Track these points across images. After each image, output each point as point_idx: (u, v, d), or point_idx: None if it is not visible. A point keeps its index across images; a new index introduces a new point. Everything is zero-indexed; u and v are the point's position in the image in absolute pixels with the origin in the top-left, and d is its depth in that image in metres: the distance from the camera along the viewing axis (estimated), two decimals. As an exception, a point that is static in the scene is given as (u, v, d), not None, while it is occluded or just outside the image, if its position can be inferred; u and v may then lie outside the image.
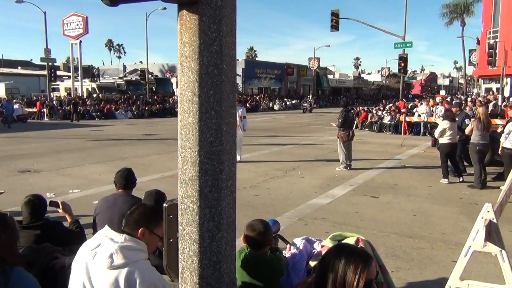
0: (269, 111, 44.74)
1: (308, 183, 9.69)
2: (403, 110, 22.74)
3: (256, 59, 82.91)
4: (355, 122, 23.16)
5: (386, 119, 22.96)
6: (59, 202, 3.79)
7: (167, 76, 52.34)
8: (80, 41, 38.11)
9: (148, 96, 39.81)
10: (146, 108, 35.64)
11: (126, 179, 4.19)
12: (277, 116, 36.61)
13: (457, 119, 10.41)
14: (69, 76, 42.89)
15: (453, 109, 11.38)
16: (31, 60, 69.53)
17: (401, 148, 16.04)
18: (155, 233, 2.35)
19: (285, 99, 52.98)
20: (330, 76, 73.42)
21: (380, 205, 7.93)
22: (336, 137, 11.75)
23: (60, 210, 3.81)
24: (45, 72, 36.39)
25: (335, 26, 27.49)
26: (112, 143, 16.84)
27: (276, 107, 48.11)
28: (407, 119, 21.70)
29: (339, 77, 77.71)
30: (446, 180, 9.81)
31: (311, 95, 52.14)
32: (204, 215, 1.91)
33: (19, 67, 59.39)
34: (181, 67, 1.93)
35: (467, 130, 9.86)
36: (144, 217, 2.34)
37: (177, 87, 35.00)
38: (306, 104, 44.32)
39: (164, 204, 2.11)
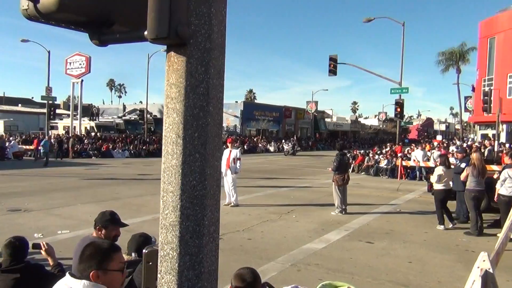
0: (266, 153, 44.79)
1: (303, 227, 9.52)
2: (399, 155, 22.79)
3: (255, 101, 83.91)
4: (352, 165, 23.24)
5: (383, 163, 22.96)
6: (42, 244, 3.67)
7: (166, 116, 52.73)
8: (82, 80, 38.60)
9: (146, 136, 39.93)
10: (144, 147, 35.66)
11: (108, 220, 3.90)
12: (274, 158, 36.61)
13: (463, 165, 10.35)
14: (68, 115, 43.16)
15: (459, 155, 11.44)
16: (32, 98, 70.17)
17: (397, 192, 15.93)
18: (111, 269, 2.17)
19: (282, 141, 53.19)
20: (327, 120, 74.16)
21: (375, 251, 7.76)
22: (331, 181, 11.66)
23: (43, 252, 3.68)
24: (45, 110, 36.63)
25: (333, 71, 28.01)
26: (107, 182, 16.68)
27: (271, 148, 47.79)
28: (404, 163, 21.69)
29: (337, 121, 78.49)
30: (442, 227, 9.66)
31: (295, 137, 50.99)
32: (184, 263, 1.82)
33: (20, 105, 59.84)
34: (167, 109, 1.90)
35: (462, 176, 9.81)
36: (92, 258, 2.16)
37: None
38: (287, 147, 41.36)
39: (144, 250, 2.02)
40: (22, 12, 2.02)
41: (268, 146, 48.34)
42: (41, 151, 25.20)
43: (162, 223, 1.89)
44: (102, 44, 2.11)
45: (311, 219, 10.49)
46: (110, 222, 3.73)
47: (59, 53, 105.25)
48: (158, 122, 48.42)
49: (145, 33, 1.91)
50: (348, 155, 16.89)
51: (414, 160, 21.50)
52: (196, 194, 1.83)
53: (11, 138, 31.36)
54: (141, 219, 9.70)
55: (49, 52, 35.77)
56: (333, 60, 28.12)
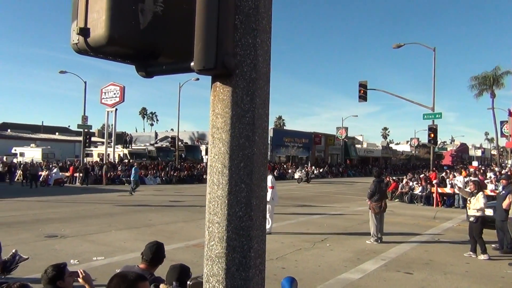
0: (296, 179, 44.34)
1: (338, 256, 9.28)
2: (434, 181, 22.14)
3: (284, 127, 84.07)
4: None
5: (417, 190, 22.35)
6: (80, 271, 3.70)
7: (197, 143, 53.40)
8: (116, 109, 39.72)
9: (177, 163, 40.43)
10: (175, 174, 36.07)
11: (154, 253, 4.07)
12: (303, 184, 36.25)
13: (503, 192, 9.97)
14: (102, 142, 44.32)
15: (503, 181, 11.09)
16: (69, 126, 72.64)
17: (434, 221, 15.41)
18: None
19: (312, 168, 52.77)
20: (358, 146, 73.31)
21: (414, 282, 7.45)
22: (368, 208, 11.41)
23: (80, 280, 3.70)
24: (81, 138, 37.75)
25: (363, 97, 27.84)
26: (139, 209, 16.87)
27: (296, 175, 42.26)
28: (439, 190, 21.05)
29: (367, 147, 77.45)
30: (485, 256, 9.23)
31: (309, 164, 49.92)
32: (231, 296, 1.78)
33: (57, 133, 62.02)
34: (212, 139, 1.90)
35: (504, 204, 9.41)
36: None
37: (206, 155, 35.23)
38: (300, 174, 38.82)
39: (188, 282, 1.99)
40: (72, 46, 2.09)
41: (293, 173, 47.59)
42: (131, 178, 24.38)
43: (207, 254, 1.86)
44: (148, 76, 2.15)
45: (346, 247, 10.24)
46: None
47: (94, 83, 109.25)
48: (189, 149, 49.06)
49: (191, 64, 1.94)
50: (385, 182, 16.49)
51: (451, 187, 20.83)
52: (242, 225, 1.80)
53: (51, 166, 32.36)
54: (174, 246, 9.70)
55: (85, 82, 37.11)
56: (363, 86, 27.98)
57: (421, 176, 25.48)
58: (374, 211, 11.04)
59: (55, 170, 30.11)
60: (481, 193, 9.68)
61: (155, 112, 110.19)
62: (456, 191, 9.93)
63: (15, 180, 31.36)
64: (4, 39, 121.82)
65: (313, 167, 52.87)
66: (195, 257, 8.46)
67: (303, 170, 40.18)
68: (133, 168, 25.32)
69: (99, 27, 1.89)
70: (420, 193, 21.97)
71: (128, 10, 1.91)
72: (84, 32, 1.92)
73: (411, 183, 23.77)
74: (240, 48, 1.88)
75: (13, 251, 6.74)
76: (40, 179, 28.37)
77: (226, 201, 1.82)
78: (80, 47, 2.02)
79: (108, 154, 40.06)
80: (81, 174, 31.39)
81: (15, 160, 38.68)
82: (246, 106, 1.85)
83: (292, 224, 13.73)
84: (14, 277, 6.39)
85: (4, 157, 38.46)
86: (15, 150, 43.31)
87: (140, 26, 1.95)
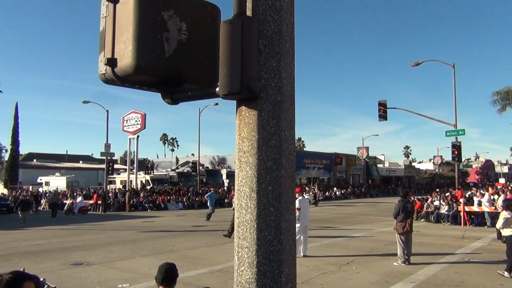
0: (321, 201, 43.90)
1: (365, 279, 9.06)
2: (461, 200, 21.59)
3: (304, 149, 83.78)
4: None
5: (444, 209, 21.80)
6: None
7: (217, 167, 53.59)
8: (138, 136, 40.34)
9: (198, 188, 40.56)
10: (196, 199, 36.13)
11: (164, 273, 4.07)
12: (324, 206, 35.80)
13: None
14: (125, 169, 44.88)
15: None
16: (92, 154, 73.98)
17: (463, 240, 14.95)
18: None
19: (334, 189, 52.24)
20: (379, 165, 72.37)
21: (447, 306, 7.19)
22: (393, 229, 11.17)
23: None
24: (104, 166, 38.34)
25: (383, 116, 27.60)
26: (162, 234, 16.89)
27: (306, 195, 43.80)
28: (466, 208, 20.49)
29: (389, 166, 76.38)
30: (520, 277, 8.87)
31: (316, 186, 49.14)
32: (263, 323, 1.74)
33: (81, 162, 63.19)
34: (239, 162, 1.90)
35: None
36: None
37: (227, 179, 35.06)
38: (307, 197, 36.02)
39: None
40: (100, 77, 2.14)
41: (319, 194, 47.36)
42: (209, 204, 23.40)
43: (237, 280, 1.83)
44: (174, 103, 2.18)
45: (373, 270, 9.99)
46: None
47: (116, 111, 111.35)
48: (210, 173, 49.23)
49: (217, 89, 1.96)
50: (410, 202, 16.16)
51: (479, 206, 20.27)
52: (272, 250, 1.78)
53: (76, 194, 32.91)
54: (198, 271, 9.62)
55: (107, 111, 37.90)
56: (382, 105, 27.78)
57: (447, 194, 24.91)
58: (398, 231, 10.81)
59: (79, 199, 30.57)
60: (503, 211, 9.48)
61: (175, 138, 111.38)
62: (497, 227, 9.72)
63: (41, 209, 31.92)
64: (29, 72, 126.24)
65: (335, 188, 52.36)
66: (219, 283, 8.37)
67: (310, 193, 39.13)
68: (210, 194, 24.01)
69: (126, 57, 1.93)
70: (446, 212, 21.42)
71: (154, 39, 1.96)
72: (112, 62, 1.97)
73: (436, 202, 23.23)
74: (265, 72, 1.89)
75: (41, 279, 6.79)
76: (65, 207, 28.80)
77: (255, 225, 1.80)
78: (107, 77, 2.07)
79: (131, 180, 40.50)
80: (104, 201, 31.84)
81: (40, 189, 39.44)
82: (272, 129, 1.85)
83: (316, 246, 13.51)
84: (42, 306, 6.41)
85: (30, 187, 39.26)
86: (41, 179, 44.21)
87: (166, 54, 2.00)
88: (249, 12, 1.93)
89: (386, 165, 76.95)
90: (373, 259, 11.38)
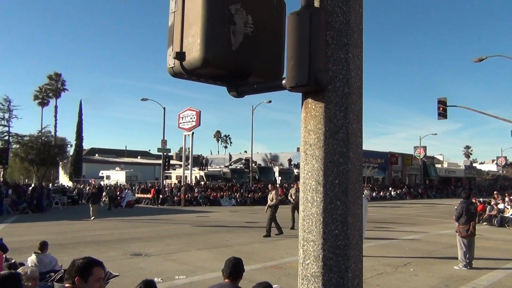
0: (371, 201, 42.93)
1: (423, 282, 8.74)
2: (528, 203, 20.31)
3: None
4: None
5: (509, 213, 20.58)
6: None
7: (270, 165, 53.76)
8: (193, 133, 41.24)
9: (251, 184, 40.89)
10: (249, 195, 36.45)
11: (232, 267, 4.16)
12: (379, 206, 34.91)
13: None
14: (180, 165, 46.11)
15: None
16: (149, 150, 76.69)
17: (532, 246, 14.04)
18: None
19: (389, 189, 50.83)
20: (438, 166, 69.51)
21: (514, 314, 6.79)
22: (455, 231, 10.70)
23: None
24: (160, 161, 39.60)
25: (442, 114, 26.53)
26: (216, 229, 17.19)
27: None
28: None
29: (448, 166, 73.14)
30: None
31: (368, 185, 47.94)
32: (329, 318, 1.72)
33: (139, 157, 65.72)
34: (305, 155, 1.88)
35: None
36: None
37: (279, 176, 34.81)
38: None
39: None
40: (168, 70, 2.20)
41: (374, 193, 46.34)
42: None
43: (302, 273, 1.82)
44: (239, 96, 2.20)
45: (432, 273, 9.62)
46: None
47: (172, 108, 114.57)
48: (263, 170, 49.47)
49: (283, 82, 1.95)
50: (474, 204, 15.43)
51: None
52: (338, 244, 1.75)
53: (126, 189, 34.37)
54: (252, 267, 9.68)
55: (164, 108, 39.05)
56: (442, 103, 26.70)
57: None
58: (460, 234, 10.33)
59: (128, 193, 31.89)
60: None
61: (228, 135, 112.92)
62: None
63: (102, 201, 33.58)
64: (93, 72, 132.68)
65: (390, 188, 50.92)
66: (273, 279, 8.39)
67: (365, 191, 38.64)
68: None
69: (194, 50, 1.97)
70: (511, 216, 20.21)
71: (221, 33, 1.98)
72: (180, 56, 2.02)
73: (501, 205, 21.97)
74: (332, 64, 1.86)
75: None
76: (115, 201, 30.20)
77: (321, 219, 1.78)
78: (176, 70, 2.12)
79: (186, 176, 41.55)
80: (160, 196, 33.02)
81: (102, 183, 41.48)
82: (340, 122, 1.82)
83: (371, 246, 13.19)
84: (105, 292, 6.73)
85: (93, 180, 41.39)
86: (102, 173, 46.46)
87: (232, 47, 2.02)
88: (317, 3, 1.90)
89: (445, 165, 73.75)
90: (431, 262, 10.96)
